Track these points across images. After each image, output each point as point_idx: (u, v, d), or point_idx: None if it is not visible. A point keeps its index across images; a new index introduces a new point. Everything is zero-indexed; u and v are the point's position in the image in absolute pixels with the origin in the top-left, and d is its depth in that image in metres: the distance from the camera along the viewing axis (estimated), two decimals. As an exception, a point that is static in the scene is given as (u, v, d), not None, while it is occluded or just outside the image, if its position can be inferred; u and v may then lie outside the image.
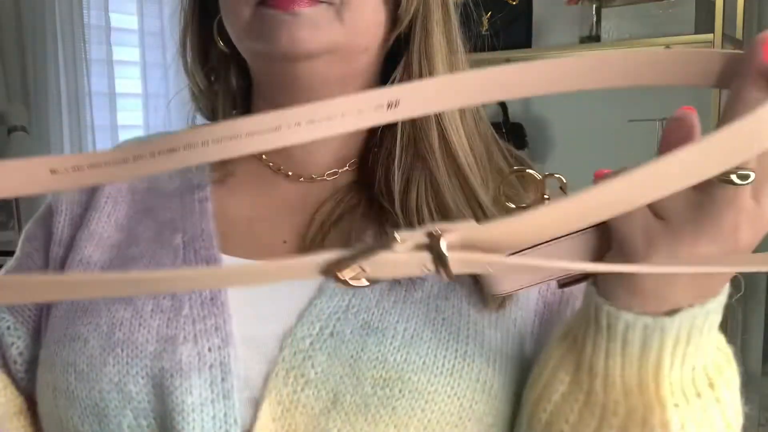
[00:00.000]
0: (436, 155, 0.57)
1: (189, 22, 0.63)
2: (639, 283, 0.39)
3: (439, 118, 0.57)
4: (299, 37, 0.52)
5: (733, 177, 0.34)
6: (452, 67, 0.59)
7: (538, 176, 0.41)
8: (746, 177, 0.34)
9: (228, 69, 0.64)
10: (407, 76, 0.58)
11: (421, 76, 0.58)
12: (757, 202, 0.36)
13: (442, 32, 0.58)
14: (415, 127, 0.58)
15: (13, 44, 2.53)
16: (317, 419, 0.48)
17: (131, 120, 2.81)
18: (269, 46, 0.54)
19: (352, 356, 0.50)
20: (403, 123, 0.58)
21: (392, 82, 0.59)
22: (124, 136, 2.76)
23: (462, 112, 0.59)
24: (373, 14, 0.56)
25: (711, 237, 0.36)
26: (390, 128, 0.60)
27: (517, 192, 0.60)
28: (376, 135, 0.61)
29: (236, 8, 0.55)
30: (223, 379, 0.49)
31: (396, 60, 0.60)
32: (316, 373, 0.49)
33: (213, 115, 0.67)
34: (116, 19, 2.73)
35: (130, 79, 2.79)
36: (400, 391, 0.49)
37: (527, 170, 0.44)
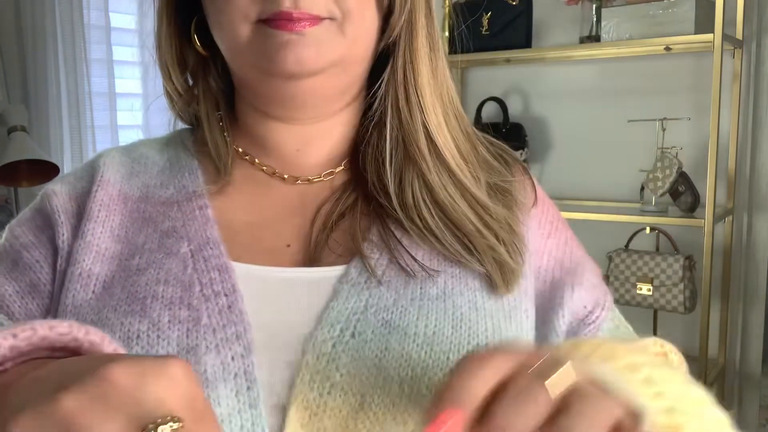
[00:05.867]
0: (425, 157, 0.57)
1: (162, 25, 0.61)
2: None
3: (425, 120, 0.58)
4: (306, 57, 0.52)
5: None
6: (434, 69, 0.60)
7: None
8: None
9: (207, 71, 0.63)
10: (393, 80, 0.59)
11: (405, 80, 0.58)
12: None
13: (426, 35, 0.59)
14: (403, 129, 0.58)
15: (13, 44, 2.52)
16: (346, 422, 0.47)
17: (131, 120, 2.82)
18: (274, 67, 0.53)
19: (376, 356, 0.49)
20: (391, 125, 0.59)
21: (380, 85, 0.60)
22: (123, 135, 2.76)
23: (445, 111, 0.60)
24: (370, 24, 0.56)
25: None
26: (378, 127, 0.60)
27: (506, 178, 0.61)
28: (367, 133, 0.61)
29: (234, 25, 0.54)
30: (248, 388, 0.48)
31: (379, 61, 0.60)
32: (341, 376, 0.48)
33: (195, 120, 0.65)
34: (116, 19, 2.73)
35: (130, 79, 2.79)
36: (427, 388, 0.49)
37: None
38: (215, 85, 0.63)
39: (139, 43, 2.78)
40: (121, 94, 2.74)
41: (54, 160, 2.38)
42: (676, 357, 0.56)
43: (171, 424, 0.30)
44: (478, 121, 2.46)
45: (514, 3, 2.30)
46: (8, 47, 2.52)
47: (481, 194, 0.58)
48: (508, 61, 2.48)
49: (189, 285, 0.53)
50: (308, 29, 0.52)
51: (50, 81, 2.52)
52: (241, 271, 0.55)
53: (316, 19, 0.52)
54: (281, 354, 0.50)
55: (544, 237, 0.62)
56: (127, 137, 2.77)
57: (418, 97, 0.58)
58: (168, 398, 0.31)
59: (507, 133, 2.36)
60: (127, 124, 2.80)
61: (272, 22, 0.52)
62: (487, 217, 0.57)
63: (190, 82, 0.64)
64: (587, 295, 0.60)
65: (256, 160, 0.62)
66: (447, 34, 2.48)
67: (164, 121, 0.68)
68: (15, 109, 2.39)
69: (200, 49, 0.61)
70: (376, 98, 0.60)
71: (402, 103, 0.58)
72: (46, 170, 2.38)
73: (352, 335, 0.50)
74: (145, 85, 2.80)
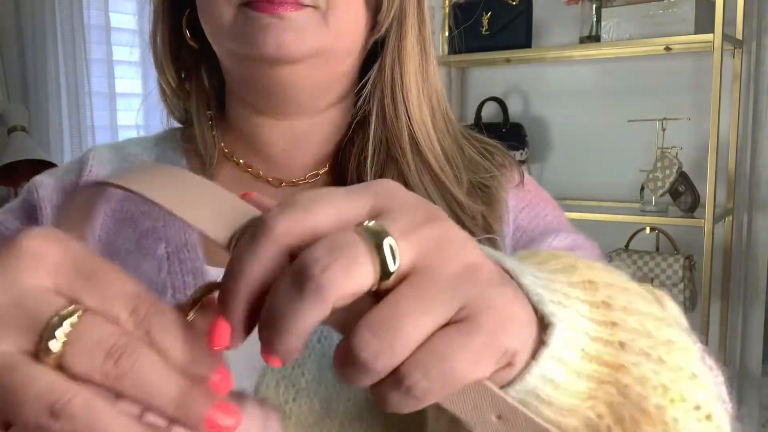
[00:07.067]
0: (407, 156, 0.57)
1: (159, 18, 0.62)
2: None
3: (409, 119, 0.58)
4: (285, 41, 0.52)
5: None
6: (424, 72, 0.59)
7: None
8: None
9: (199, 67, 0.63)
10: (380, 79, 0.59)
11: (393, 79, 0.58)
12: None
13: (416, 36, 0.59)
14: (387, 128, 0.58)
15: (13, 44, 2.53)
16: (311, 429, 0.47)
17: (131, 120, 2.82)
18: (254, 50, 0.53)
19: None
20: (376, 125, 0.59)
21: (366, 83, 0.59)
22: (123, 136, 2.76)
23: (432, 113, 0.60)
24: (356, 17, 0.56)
25: None
26: (362, 128, 0.60)
27: (490, 173, 0.61)
28: (350, 130, 0.61)
29: (217, 8, 0.54)
30: None
31: (370, 61, 0.60)
32: (306, 382, 0.48)
33: (186, 116, 0.65)
34: (116, 19, 2.73)
35: (130, 79, 2.79)
36: None
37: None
38: (207, 82, 0.63)
39: (139, 43, 2.78)
40: (121, 94, 2.75)
41: (54, 160, 2.38)
42: (675, 307, 0.50)
43: (70, 319, 0.26)
44: (478, 121, 2.46)
45: (514, 3, 2.30)
46: (8, 47, 2.52)
47: (461, 194, 0.57)
48: (508, 61, 2.48)
49: (161, 289, 0.52)
50: (289, 13, 0.52)
51: (50, 81, 2.52)
52: (217, 275, 0.54)
53: (298, 5, 0.52)
54: (249, 358, 0.48)
55: (518, 210, 0.61)
56: (126, 137, 2.77)
57: (404, 95, 0.58)
58: (42, 279, 0.28)
59: (507, 133, 2.36)
60: (127, 124, 2.80)
61: (254, 4, 0.52)
62: (464, 216, 0.56)
63: (182, 76, 0.64)
64: None
65: (242, 161, 0.62)
66: (447, 34, 2.48)
67: (165, 121, 0.68)
68: (15, 109, 2.39)
69: (192, 44, 0.60)
70: (361, 96, 0.60)
71: (387, 101, 0.58)
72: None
73: (318, 340, 0.49)
74: (145, 85, 2.80)
